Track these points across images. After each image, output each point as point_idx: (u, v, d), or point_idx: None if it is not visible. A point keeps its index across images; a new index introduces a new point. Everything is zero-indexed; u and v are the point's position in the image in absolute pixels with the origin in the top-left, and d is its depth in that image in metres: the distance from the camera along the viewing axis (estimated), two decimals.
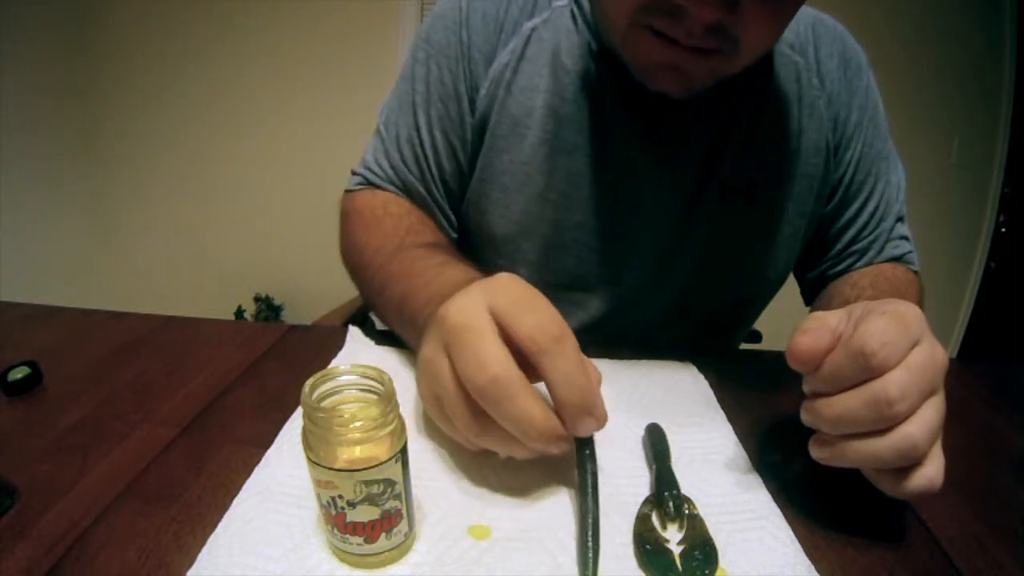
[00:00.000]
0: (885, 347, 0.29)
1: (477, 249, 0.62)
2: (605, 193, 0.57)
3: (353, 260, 0.59)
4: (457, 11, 0.56)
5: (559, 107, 0.55)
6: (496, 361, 0.29)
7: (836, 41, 0.59)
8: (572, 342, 0.31)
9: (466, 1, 0.57)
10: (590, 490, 0.31)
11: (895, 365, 0.29)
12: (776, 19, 0.43)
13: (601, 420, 0.31)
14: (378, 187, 0.62)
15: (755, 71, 0.54)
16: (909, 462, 0.30)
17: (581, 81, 0.55)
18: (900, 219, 0.63)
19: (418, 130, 0.59)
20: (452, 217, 0.63)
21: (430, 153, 0.59)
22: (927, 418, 0.30)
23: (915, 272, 0.63)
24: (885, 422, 0.29)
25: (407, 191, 0.61)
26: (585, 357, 0.31)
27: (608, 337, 0.61)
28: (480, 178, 0.59)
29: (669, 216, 0.58)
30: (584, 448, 0.32)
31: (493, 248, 0.61)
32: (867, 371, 0.29)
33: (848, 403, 0.30)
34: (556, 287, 0.60)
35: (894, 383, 0.29)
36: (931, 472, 0.30)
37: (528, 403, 0.29)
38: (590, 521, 0.30)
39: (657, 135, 0.55)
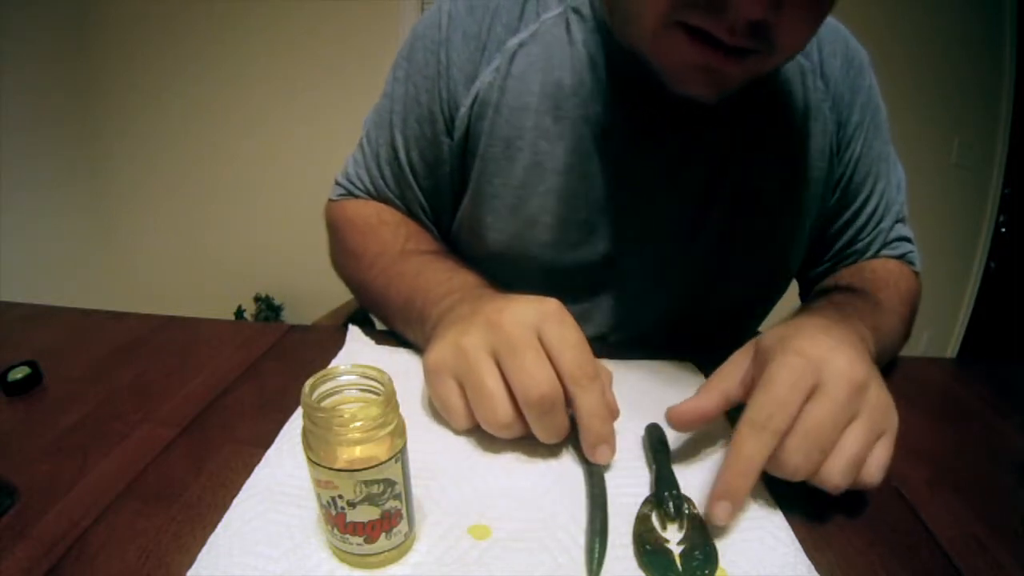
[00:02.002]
0: (771, 419, 0.32)
1: (472, 266, 0.62)
2: (605, 211, 0.55)
3: (350, 266, 0.59)
4: (437, 30, 0.55)
5: (551, 126, 0.53)
6: (548, 380, 0.34)
7: (839, 41, 0.58)
8: (600, 382, 0.36)
9: (447, 19, 0.54)
10: (596, 488, 0.33)
11: (786, 428, 0.32)
12: (814, 19, 0.41)
13: (613, 450, 0.36)
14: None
15: (763, 76, 0.54)
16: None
17: (577, 97, 0.52)
18: (900, 220, 0.63)
19: (395, 150, 0.59)
20: (435, 231, 0.63)
21: (407, 173, 0.59)
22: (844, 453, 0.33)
23: (916, 272, 0.63)
24: (802, 477, 0.33)
25: (389, 205, 0.61)
26: (609, 392, 0.38)
27: (610, 345, 0.61)
28: (472, 202, 0.58)
29: (675, 228, 0.57)
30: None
31: (489, 266, 0.59)
32: (769, 442, 0.32)
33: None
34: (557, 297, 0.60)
35: (790, 461, 0.32)
36: (826, 478, 0.33)
37: (563, 419, 0.36)
38: (599, 517, 0.31)
39: (662, 148, 0.54)
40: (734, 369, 0.38)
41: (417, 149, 0.58)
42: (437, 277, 0.49)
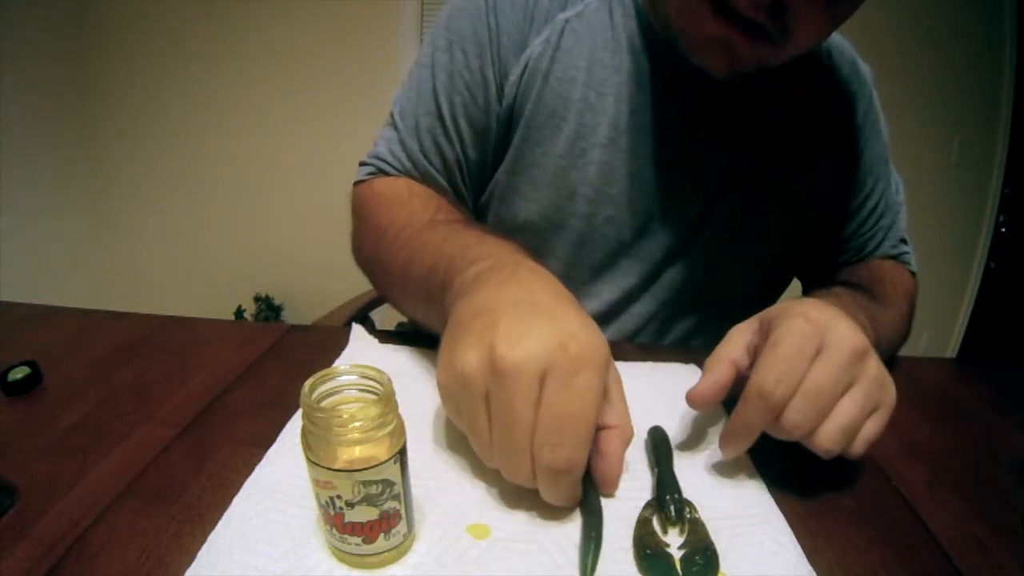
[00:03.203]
0: (779, 384, 0.33)
1: None
2: (636, 188, 0.57)
3: (371, 243, 0.54)
4: None
5: (595, 100, 0.55)
6: (523, 472, 0.31)
7: (847, 52, 0.61)
8: (568, 479, 0.31)
9: None
10: (592, 495, 0.33)
11: (791, 395, 0.33)
12: (831, 17, 0.43)
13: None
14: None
15: (780, 73, 0.55)
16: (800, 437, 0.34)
17: (618, 75, 0.55)
18: (899, 222, 0.65)
19: (441, 119, 0.57)
20: (470, 207, 0.62)
21: (455, 141, 0.57)
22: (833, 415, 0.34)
23: (912, 273, 0.64)
24: (798, 438, 0.34)
25: (426, 182, 0.58)
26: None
27: (621, 325, 0.61)
28: (509, 170, 0.58)
29: (692, 208, 0.59)
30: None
31: (515, 239, 0.58)
32: (773, 411, 0.33)
33: (775, 436, 0.35)
34: (580, 282, 0.60)
35: (789, 419, 0.33)
36: (819, 441, 0.34)
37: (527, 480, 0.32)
38: (593, 523, 0.31)
39: (687, 132, 0.56)
40: (739, 339, 0.39)
41: (465, 116, 0.57)
42: (465, 241, 0.43)
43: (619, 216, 0.58)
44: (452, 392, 0.32)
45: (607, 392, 0.33)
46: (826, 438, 0.33)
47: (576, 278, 0.60)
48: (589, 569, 0.28)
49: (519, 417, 0.29)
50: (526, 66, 0.55)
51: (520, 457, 0.30)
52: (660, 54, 0.54)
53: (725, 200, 0.58)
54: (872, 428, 0.34)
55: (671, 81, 0.55)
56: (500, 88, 0.56)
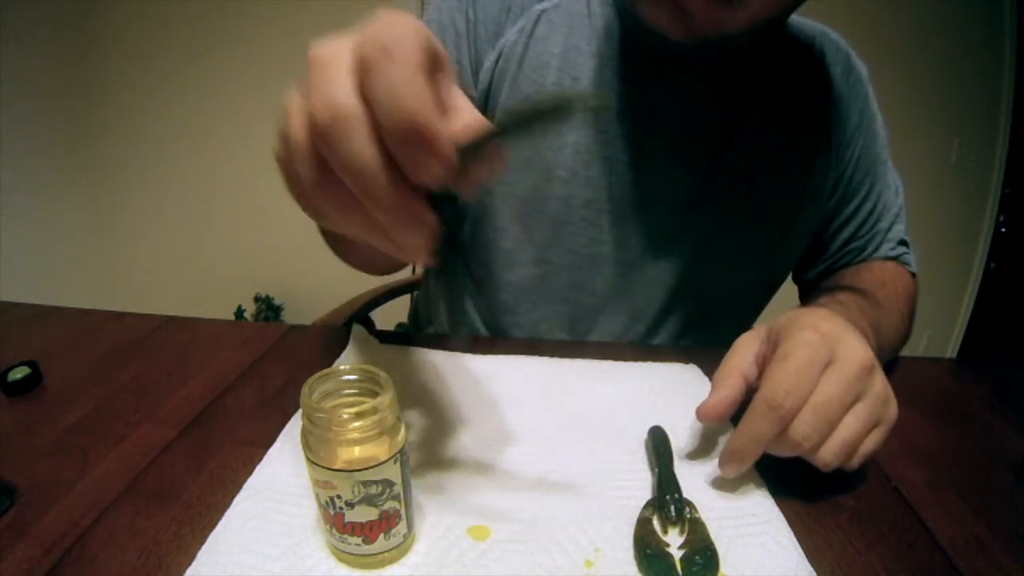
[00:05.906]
0: (788, 396, 0.33)
1: (481, 231, 0.62)
2: (614, 172, 0.58)
3: None
4: None
5: (570, 84, 0.56)
6: (344, 93, 0.23)
7: (841, 52, 0.61)
8: (406, 51, 0.22)
9: None
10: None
11: (800, 407, 0.33)
12: None
13: (443, 157, 0.22)
14: None
15: (769, 59, 0.56)
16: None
17: (594, 60, 0.56)
18: (898, 224, 0.65)
19: None
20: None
21: None
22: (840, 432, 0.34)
23: (912, 274, 0.64)
24: (803, 452, 0.34)
25: None
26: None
27: (609, 320, 0.61)
28: None
29: (676, 198, 0.59)
30: None
31: (498, 229, 0.60)
32: (782, 422, 0.33)
33: (778, 452, 0.35)
34: (563, 268, 0.60)
35: (798, 430, 0.33)
36: (822, 455, 0.34)
37: (366, 146, 0.22)
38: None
39: (668, 117, 0.56)
40: (746, 350, 0.39)
41: None
42: None
43: (598, 199, 0.58)
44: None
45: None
46: (829, 452, 0.33)
47: (559, 264, 0.60)
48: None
49: (341, 66, 0.24)
50: (500, 53, 0.57)
51: (344, 88, 0.23)
52: (638, 41, 0.55)
53: (713, 191, 0.58)
54: (871, 443, 0.35)
55: (650, 68, 0.55)
56: (475, 74, 0.58)
